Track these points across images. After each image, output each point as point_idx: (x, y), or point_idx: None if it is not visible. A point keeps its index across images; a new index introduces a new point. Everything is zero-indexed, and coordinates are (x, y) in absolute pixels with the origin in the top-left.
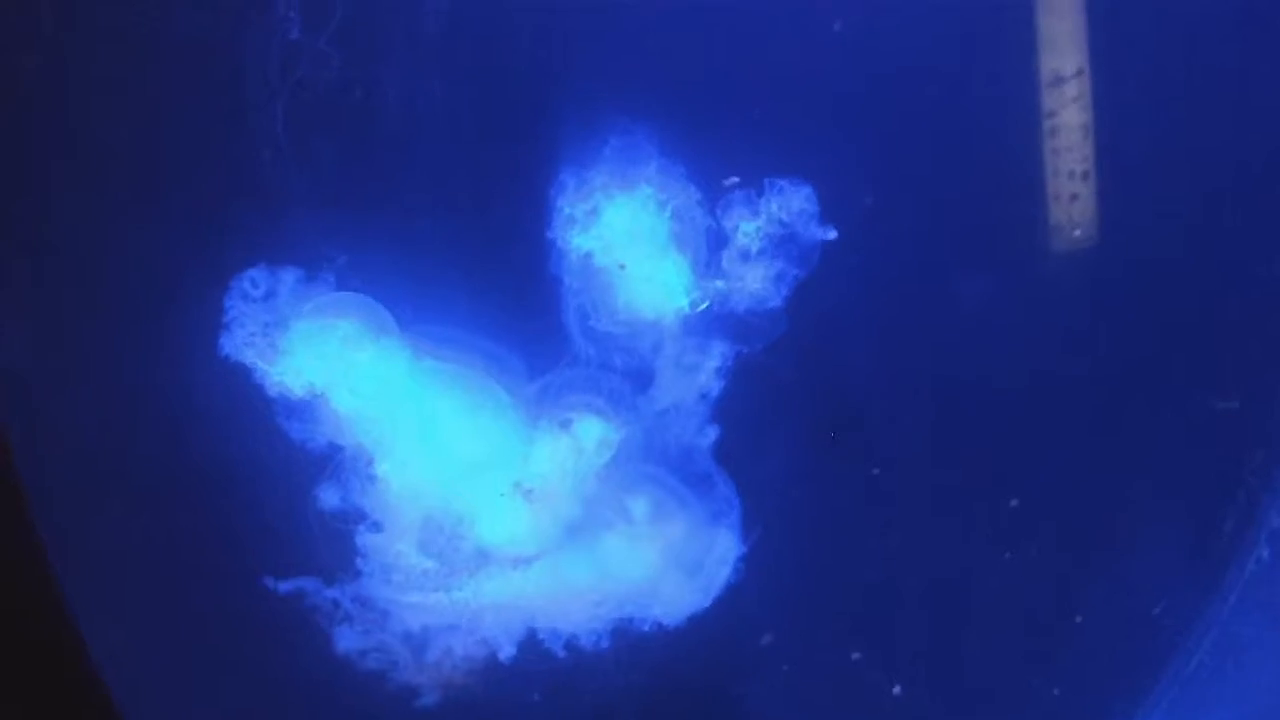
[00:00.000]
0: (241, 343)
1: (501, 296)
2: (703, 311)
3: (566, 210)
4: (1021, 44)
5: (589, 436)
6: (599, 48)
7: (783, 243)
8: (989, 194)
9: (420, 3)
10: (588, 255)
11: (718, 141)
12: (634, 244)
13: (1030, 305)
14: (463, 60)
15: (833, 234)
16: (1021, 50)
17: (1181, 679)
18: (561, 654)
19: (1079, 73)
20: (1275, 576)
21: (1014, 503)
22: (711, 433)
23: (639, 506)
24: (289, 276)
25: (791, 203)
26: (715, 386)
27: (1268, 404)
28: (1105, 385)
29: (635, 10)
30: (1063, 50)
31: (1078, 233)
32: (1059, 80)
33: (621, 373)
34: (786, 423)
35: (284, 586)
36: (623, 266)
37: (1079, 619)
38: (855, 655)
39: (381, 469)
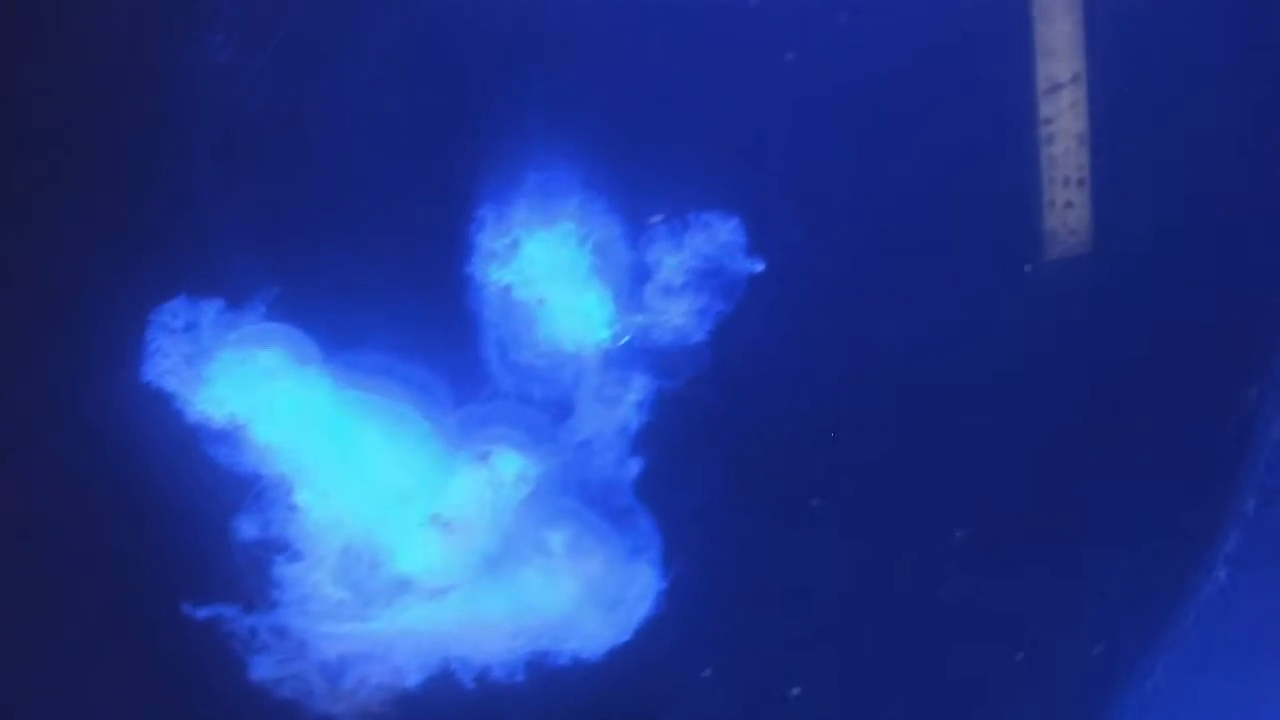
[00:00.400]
0: (164, 371)
1: (424, 328)
2: (624, 345)
3: (486, 245)
4: (1019, 51)
5: (508, 470)
6: (523, 82)
7: (707, 276)
8: (984, 201)
9: (347, 40)
10: (507, 289)
11: (645, 176)
12: (554, 278)
13: (1001, 323)
14: (387, 94)
15: (760, 266)
16: (1019, 57)
17: (1139, 699)
18: (475, 685)
19: (1075, 79)
20: (1231, 599)
21: (959, 534)
22: (633, 466)
23: (557, 541)
24: (211, 308)
25: (718, 235)
26: (636, 419)
27: (1233, 425)
28: (1063, 407)
29: (563, 44)
30: (1059, 56)
31: (1073, 239)
32: (1055, 87)
33: (541, 404)
34: (712, 457)
35: (202, 613)
36: (542, 301)
37: (1020, 656)
38: (795, 690)
39: (302, 498)
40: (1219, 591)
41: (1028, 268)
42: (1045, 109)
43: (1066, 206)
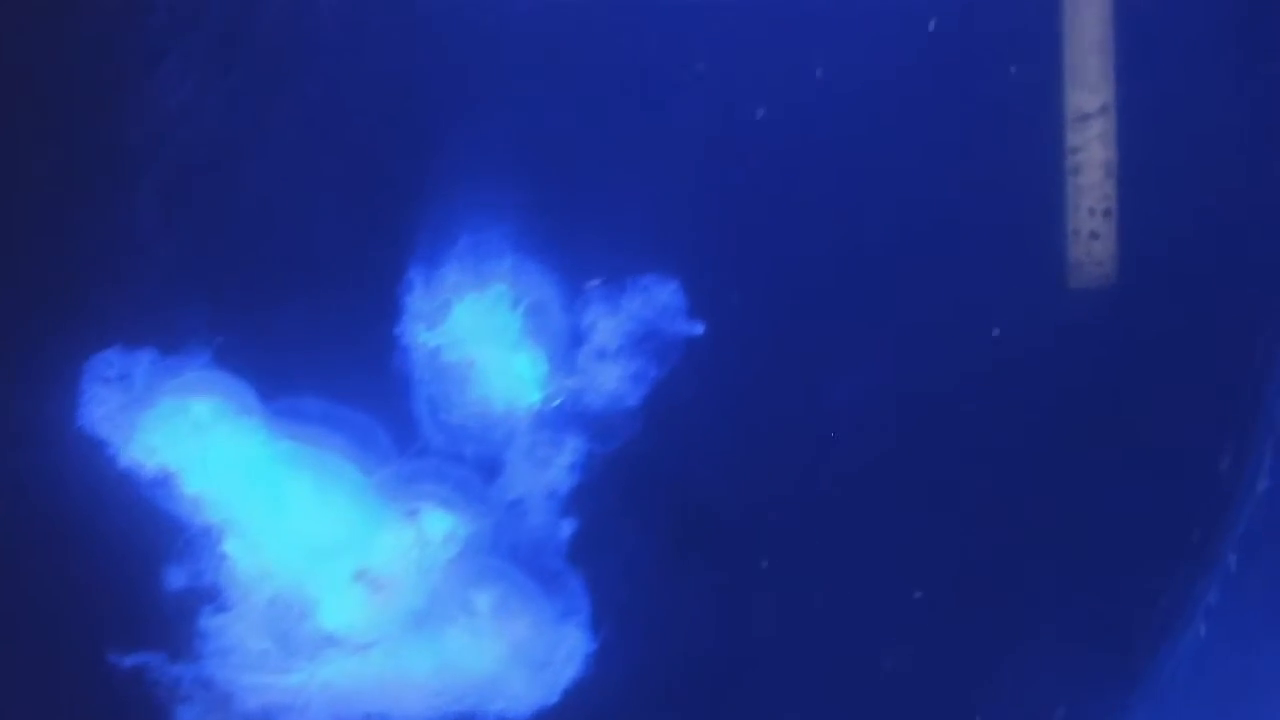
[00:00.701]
0: (98, 419)
1: (358, 382)
2: (556, 407)
3: (415, 307)
4: (1048, 80)
5: (436, 529)
6: (459, 142)
7: (643, 340)
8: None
9: (287, 96)
10: (436, 350)
11: (584, 238)
12: (484, 341)
13: (966, 373)
14: (325, 149)
15: (699, 329)
16: (1048, 86)
17: None
18: None
19: (1104, 109)
20: (1210, 652)
21: (916, 595)
22: (564, 528)
23: (483, 601)
24: (145, 357)
25: (656, 298)
26: (568, 481)
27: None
28: (1034, 452)
29: (500, 103)
30: (1089, 86)
31: (1098, 271)
32: (1084, 117)
33: (472, 464)
34: (645, 522)
35: (128, 661)
36: (472, 363)
37: None
38: None
39: (230, 548)
40: (1198, 647)
41: (995, 332)
42: (1073, 138)
43: (1092, 237)
